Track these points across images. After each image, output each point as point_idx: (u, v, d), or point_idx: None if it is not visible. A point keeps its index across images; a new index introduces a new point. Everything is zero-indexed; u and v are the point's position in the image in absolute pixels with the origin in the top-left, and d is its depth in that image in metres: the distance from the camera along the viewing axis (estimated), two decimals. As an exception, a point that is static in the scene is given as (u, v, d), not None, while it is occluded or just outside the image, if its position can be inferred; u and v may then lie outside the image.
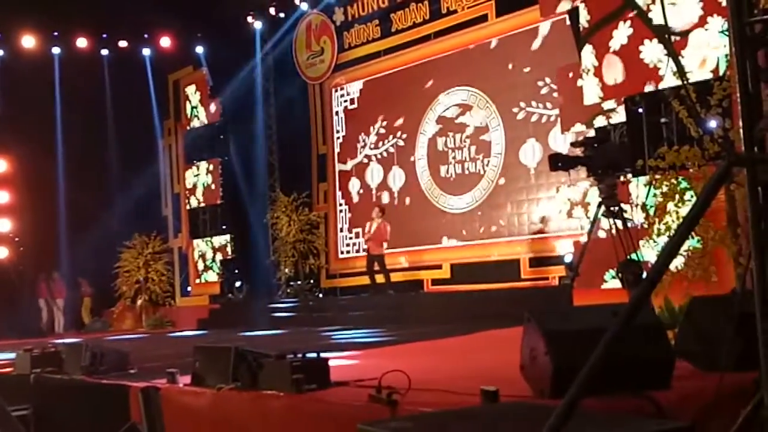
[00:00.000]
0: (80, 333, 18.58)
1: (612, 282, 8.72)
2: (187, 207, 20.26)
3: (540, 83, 14.23)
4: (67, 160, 19.99)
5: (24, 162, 19.36)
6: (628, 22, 9.50)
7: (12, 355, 7.71)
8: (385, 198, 17.01)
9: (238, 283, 18.93)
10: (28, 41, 19.38)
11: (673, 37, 8.98)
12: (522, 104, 14.63)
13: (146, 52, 20.63)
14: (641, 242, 7.29)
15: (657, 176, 7.24)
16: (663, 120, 9.39)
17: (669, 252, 2.24)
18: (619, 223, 6.52)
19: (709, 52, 8.80)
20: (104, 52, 20.20)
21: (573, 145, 7.10)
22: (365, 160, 17.62)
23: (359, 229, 17.10)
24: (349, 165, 17.97)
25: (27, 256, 19.60)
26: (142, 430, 5.02)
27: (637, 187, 8.63)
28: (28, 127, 18.69)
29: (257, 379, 4.68)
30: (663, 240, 6.98)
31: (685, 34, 8.99)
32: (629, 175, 8.64)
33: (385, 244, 15.31)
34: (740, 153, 2.41)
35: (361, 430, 2.73)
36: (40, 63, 19.32)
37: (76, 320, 20.10)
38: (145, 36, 20.27)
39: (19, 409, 6.06)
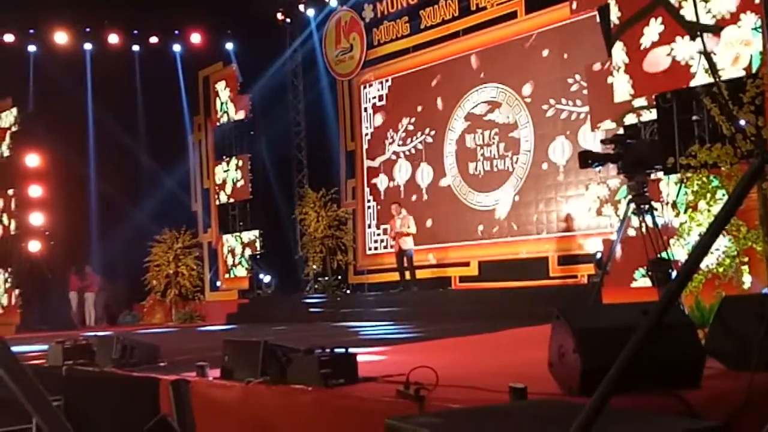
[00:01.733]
0: (111, 326, 18.80)
1: (642, 280, 8.67)
2: (217, 202, 20.38)
3: (570, 80, 14.15)
4: (98, 155, 20.20)
5: (56, 157, 19.57)
6: (660, 19, 9.42)
7: (45, 347, 7.81)
8: (414, 195, 17.01)
9: (266, 279, 19.02)
10: (61, 37, 19.60)
11: (705, 34, 8.88)
12: (551, 101, 14.56)
13: (177, 48, 20.79)
14: (672, 241, 7.23)
15: (688, 174, 7.19)
16: (694, 118, 9.31)
17: (700, 250, 2.23)
18: (650, 221, 6.46)
19: (742, 49, 8.70)
20: (135, 48, 20.39)
21: (603, 142, 7.05)
22: (393, 157, 17.63)
23: (387, 226, 17.13)
24: (378, 161, 17.99)
25: (58, 249, 19.82)
26: (172, 422, 5.07)
27: (668, 185, 8.58)
28: (60, 123, 18.89)
29: (286, 374, 4.71)
30: (694, 238, 6.93)
31: (717, 31, 8.89)
32: (660, 173, 8.58)
33: (412, 238, 15.32)
34: (774, 151, 2.38)
35: (388, 425, 2.73)
36: (72, 59, 19.53)
37: (107, 314, 20.31)
38: (176, 32, 20.44)
39: (51, 401, 6.14)
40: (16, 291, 19.67)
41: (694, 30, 8.92)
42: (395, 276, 15.66)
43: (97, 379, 6.36)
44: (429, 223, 16.54)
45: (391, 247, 16.59)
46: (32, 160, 19.83)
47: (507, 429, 2.62)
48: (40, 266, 19.61)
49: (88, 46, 20.06)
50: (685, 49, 9.17)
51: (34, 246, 19.79)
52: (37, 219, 19.85)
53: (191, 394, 5.15)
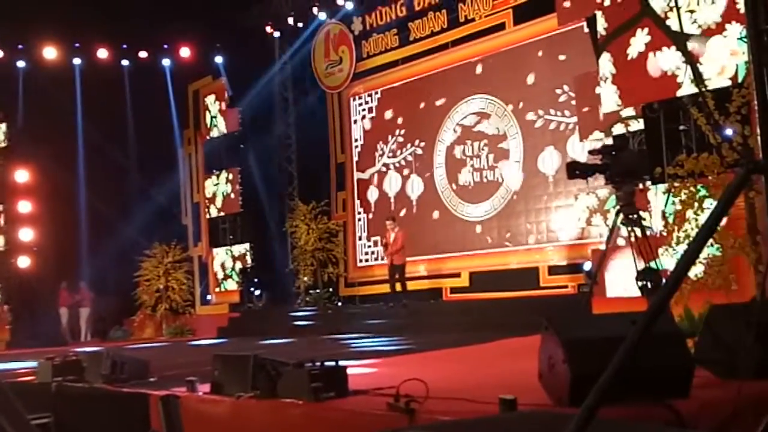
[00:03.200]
0: (102, 341, 18.71)
1: (631, 290, 8.67)
2: (207, 216, 20.35)
3: (558, 91, 14.21)
4: (87, 170, 20.13)
5: (45, 172, 19.50)
6: (646, 30, 9.47)
7: (34, 364, 7.77)
8: (404, 206, 17.02)
9: (257, 292, 18.98)
10: (50, 52, 19.57)
11: (691, 44, 8.94)
12: (540, 112, 14.61)
13: (166, 62, 20.77)
14: (660, 250, 7.25)
15: (676, 184, 7.22)
16: (681, 127, 9.35)
17: (688, 259, 2.24)
18: (638, 231, 6.48)
19: (728, 59, 8.75)
20: (124, 62, 20.36)
21: (591, 152, 7.08)
22: (383, 169, 17.64)
23: (378, 238, 17.11)
24: (368, 173, 18.00)
25: (48, 265, 19.71)
26: (162, 438, 5.05)
27: (656, 195, 8.61)
28: (49, 138, 18.83)
29: (276, 388, 4.70)
30: (682, 248, 6.95)
31: (703, 41, 8.94)
32: (648, 183, 8.61)
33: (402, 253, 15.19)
34: (758, 160, 2.40)
35: (379, 438, 2.73)
36: (61, 74, 19.49)
37: (98, 330, 20.21)
38: (165, 46, 20.42)
39: (41, 418, 6.11)
40: (6, 307, 19.56)
41: (681, 40, 8.97)
42: (386, 288, 15.60)
43: (86, 395, 6.34)
44: (419, 234, 16.53)
45: (382, 258, 16.59)
46: (22, 175, 19.76)
47: (496, 441, 2.62)
48: (30, 282, 19.50)
49: (77, 61, 20.03)
50: (671, 59, 9.22)
51: (24, 262, 19.70)
52: (26, 234, 19.77)
53: (181, 410, 5.13)
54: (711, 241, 6.56)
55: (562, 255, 14.13)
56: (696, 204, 6.94)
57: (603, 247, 7.19)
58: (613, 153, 6.59)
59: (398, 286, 15.25)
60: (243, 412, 4.78)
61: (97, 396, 6.26)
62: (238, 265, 19.39)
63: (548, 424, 2.76)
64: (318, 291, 17.92)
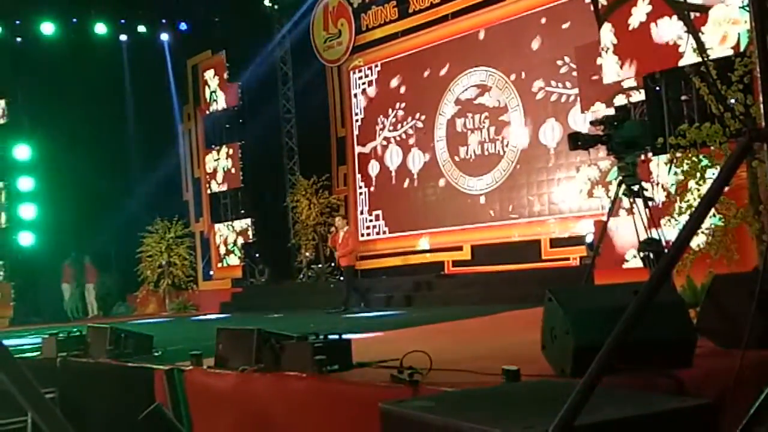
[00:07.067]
0: (105, 317, 18.79)
1: (633, 261, 8.69)
2: (208, 191, 20.34)
3: (559, 62, 14.13)
4: (87, 146, 20.07)
5: (46, 148, 19.49)
6: (647, -1, 9.41)
7: (38, 340, 7.81)
8: (405, 180, 17.00)
9: (259, 267, 19.02)
10: (48, 28, 19.45)
11: (692, 13, 8.88)
12: (541, 83, 14.54)
13: (164, 37, 20.67)
14: (662, 221, 7.25)
15: (678, 154, 7.20)
16: (683, 97, 9.31)
17: (690, 229, 2.24)
18: (640, 202, 6.47)
19: (729, 27, 8.70)
20: (123, 37, 20.26)
21: (593, 123, 7.04)
22: (384, 143, 17.59)
23: (379, 212, 17.09)
24: (368, 147, 17.95)
25: (50, 241, 19.74)
26: (167, 411, 5.09)
27: (658, 166, 8.59)
28: (48, 114, 18.81)
29: (280, 361, 4.71)
30: (684, 218, 6.94)
31: (705, 10, 8.89)
32: (650, 154, 8.59)
33: (353, 255, 14.78)
34: (760, 128, 2.38)
35: (383, 410, 2.74)
36: (59, 49, 19.38)
37: (101, 305, 20.29)
38: (164, 21, 20.32)
39: (46, 393, 6.14)
40: (9, 284, 19.61)
41: (682, 9, 8.91)
42: (388, 261, 15.57)
43: (91, 370, 6.38)
44: (421, 208, 16.53)
45: (384, 233, 16.59)
46: (21, 152, 19.74)
47: (500, 411, 2.63)
48: (32, 258, 19.55)
49: (75, 36, 19.90)
50: (673, 28, 9.16)
51: (26, 238, 19.74)
52: (28, 211, 19.78)
53: (186, 383, 5.17)
54: (713, 211, 6.56)
55: (564, 227, 14.12)
56: (698, 174, 6.92)
57: (605, 218, 7.18)
58: (615, 124, 6.55)
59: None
60: (247, 386, 4.80)
61: (101, 371, 6.30)
62: (240, 241, 19.40)
63: (551, 393, 2.78)
64: (320, 265, 17.95)
